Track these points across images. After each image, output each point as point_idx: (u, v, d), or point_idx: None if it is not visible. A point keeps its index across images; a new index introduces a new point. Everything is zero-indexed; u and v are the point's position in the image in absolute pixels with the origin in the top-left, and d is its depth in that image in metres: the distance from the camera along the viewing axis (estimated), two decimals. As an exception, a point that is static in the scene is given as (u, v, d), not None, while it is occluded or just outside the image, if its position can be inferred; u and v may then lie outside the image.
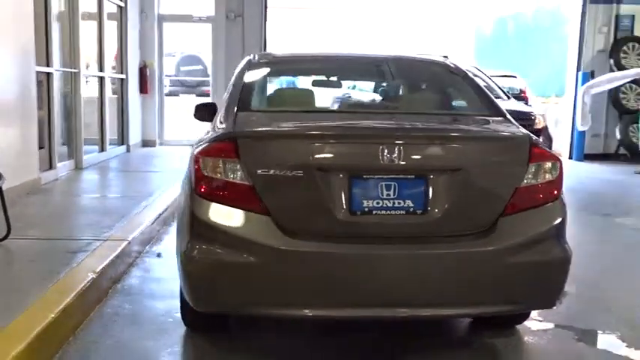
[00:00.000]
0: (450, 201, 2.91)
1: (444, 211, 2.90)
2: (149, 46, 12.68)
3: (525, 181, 2.98)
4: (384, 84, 4.08)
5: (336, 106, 3.72)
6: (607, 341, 3.64)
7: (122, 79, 11.51)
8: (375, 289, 2.86)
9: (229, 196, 2.90)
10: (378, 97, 3.93)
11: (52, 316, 3.31)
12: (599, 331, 3.74)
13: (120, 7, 11.31)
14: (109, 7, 10.71)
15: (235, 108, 3.33)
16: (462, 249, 2.88)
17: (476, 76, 4.58)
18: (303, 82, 4.24)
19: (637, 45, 13.06)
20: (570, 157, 12.72)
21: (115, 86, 11.37)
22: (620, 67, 12.74)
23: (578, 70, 12.95)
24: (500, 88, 10.75)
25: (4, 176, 4.57)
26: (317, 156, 2.90)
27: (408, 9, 24.05)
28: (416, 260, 2.87)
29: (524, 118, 8.89)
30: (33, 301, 3.49)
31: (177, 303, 3.93)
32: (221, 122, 3.33)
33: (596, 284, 4.62)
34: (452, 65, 3.93)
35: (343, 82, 4.21)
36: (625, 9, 13.25)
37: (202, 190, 2.95)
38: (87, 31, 9.54)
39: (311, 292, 2.86)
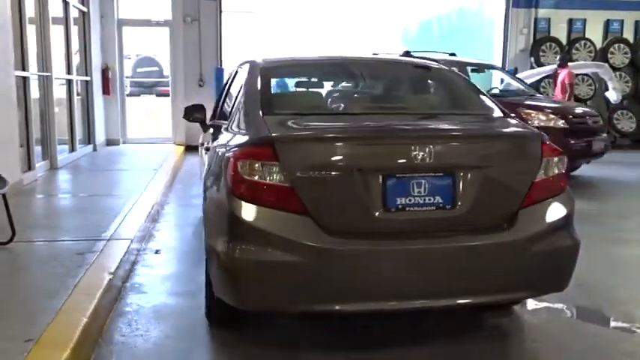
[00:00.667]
0: (476, 196, 2.86)
1: (470, 206, 2.85)
2: (110, 49, 12.16)
3: (539, 175, 2.96)
4: (393, 85, 3.98)
5: (355, 108, 3.58)
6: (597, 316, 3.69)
7: (87, 82, 11.00)
8: (413, 281, 2.80)
9: (269, 197, 2.76)
10: (390, 98, 3.83)
11: (85, 320, 3.08)
12: (588, 308, 3.77)
13: (82, 12, 10.78)
14: (73, 12, 10.18)
15: (260, 112, 3.15)
16: (490, 240, 2.84)
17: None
18: (317, 85, 4.07)
19: (553, 45, 13.44)
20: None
21: (79, 88, 10.86)
22: (539, 64, 13.11)
23: (502, 67, 13.22)
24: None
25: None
26: (354, 157, 2.80)
27: (340, 11, 24.02)
28: (450, 252, 2.81)
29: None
30: (60, 305, 3.24)
31: (193, 300, 3.79)
32: (246, 126, 3.15)
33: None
34: (448, 68, 3.88)
35: (357, 86, 4.09)
36: (542, 13, 13.63)
37: (241, 192, 2.78)
38: (55, 35, 9.03)
39: (354, 287, 2.76)
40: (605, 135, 9.07)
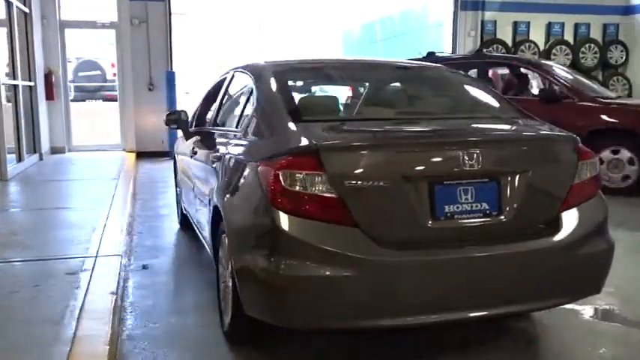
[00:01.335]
0: (519, 201, 2.80)
1: (515, 211, 2.79)
2: (52, 53, 11.57)
3: (577, 178, 2.94)
4: (414, 89, 3.88)
5: (383, 113, 3.46)
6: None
7: (31, 87, 10.40)
8: (468, 291, 2.70)
9: (315, 209, 2.60)
10: (415, 102, 3.73)
11: (107, 347, 2.82)
12: (606, 309, 3.77)
13: (24, 13, 10.18)
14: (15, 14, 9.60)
15: (288, 118, 2.98)
16: (539, 245, 2.78)
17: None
18: (337, 89, 3.92)
19: (500, 46, 13.77)
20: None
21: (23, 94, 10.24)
22: (488, 66, 13.40)
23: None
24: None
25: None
26: (401, 164, 2.68)
27: (279, 14, 23.82)
28: (503, 260, 2.74)
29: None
30: (73, 333, 2.96)
31: (201, 317, 3.57)
32: (274, 134, 2.97)
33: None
34: (462, 72, 3.83)
35: (378, 90, 3.96)
36: (488, 15, 13.94)
37: (283, 204, 2.61)
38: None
39: (407, 300, 2.64)
40: None
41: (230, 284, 3.12)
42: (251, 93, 3.59)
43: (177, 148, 5.66)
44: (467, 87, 3.72)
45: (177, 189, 6.00)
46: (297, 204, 2.61)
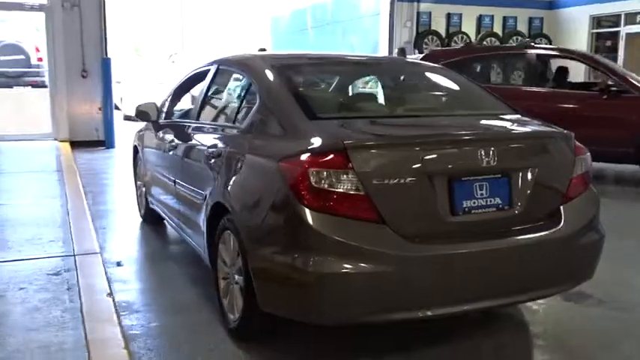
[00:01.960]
0: (527, 195, 2.95)
1: (524, 205, 2.94)
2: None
3: (575, 172, 3.13)
4: (415, 86, 3.96)
5: (393, 110, 3.51)
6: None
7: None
8: (489, 281, 2.83)
9: (343, 206, 2.64)
10: (419, 99, 3.80)
11: (125, 351, 2.76)
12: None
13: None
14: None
15: (303, 116, 2.99)
16: (548, 237, 2.94)
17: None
18: (343, 85, 3.90)
19: (435, 37, 14.19)
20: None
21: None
22: (423, 56, 13.78)
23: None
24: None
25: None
26: (424, 161, 2.75)
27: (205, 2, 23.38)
28: (520, 251, 2.89)
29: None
30: (84, 337, 2.87)
31: (192, 315, 3.53)
32: (292, 132, 2.97)
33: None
34: (453, 72, 3.93)
35: (383, 86, 3.99)
36: (423, 7, 14.33)
37: (311, 201, 2.63)
38: None
39: (434, 292, 2.74)
40: None
41: (240, 281, 3.11)
42: (248, 88, 3.56)
43: (143, 141, 5.49)
44: (461, 84, 3.85)
45: (139, 182, 5.85)
46: (325, 201, 2.64)
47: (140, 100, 15.92)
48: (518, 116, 3.45)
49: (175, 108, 5.06)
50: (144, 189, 5.60)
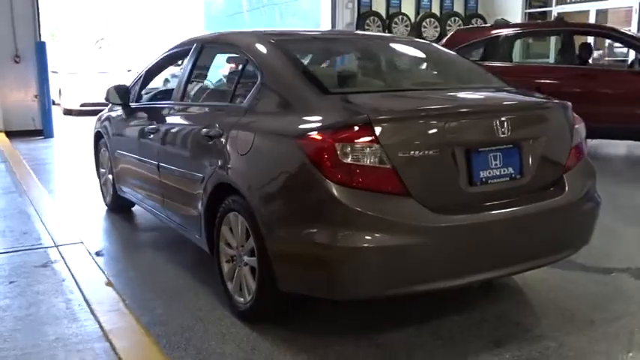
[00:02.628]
0: (535, 164, 3.05)
1: (533, 174, 3.04)
2: None
3: (574, 141, 3.25)
4: (415, 61, 3.96)
5: (402, 84, 3.53)
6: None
7: None
8: (505, 249, 2.93)
9: (371, 179, 2.65)
10: (423, 74, 3.83)
11: (146, 337, 2.67)
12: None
13: None
14: None
15: (318, 92, 2.97)
16: (556, 204, 3.05)
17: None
18: (347, 61, 3.85)
19: (376, 18, 14.29)
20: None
21: None
22: (365, 38, 13.86)
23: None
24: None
25: None
26: (445, 133, 2.80)
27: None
28: (530, 219, 2.97)
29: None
30: (101, 329, 2.76)
31: (201, 300, 3.47)
32: (308, 107, 2.92)
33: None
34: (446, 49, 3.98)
35: (385, 62, 3.96)
36: (363, -13, 14.36)
37: (338, 176, 2.62)
38: None
39: (461, 262, 2.80)
40: None
41: (251, 262, 3.07)
42: (245, 65, 3.50)
43: (110, 126, 5.28)
44: (457, 60, 3.91)
45: (102, 170, 5.65)
46: (351, 175, 2.64)
47: (85, 92, 15.07)
48: (514, 89, 3.55)
49: (148, 90, 4.90)
50: (110, 176, 5.41)
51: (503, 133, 2.91)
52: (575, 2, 15.11)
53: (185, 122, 3.91)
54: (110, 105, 5.43)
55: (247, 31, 3.84)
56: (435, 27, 14.94)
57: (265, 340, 3.02)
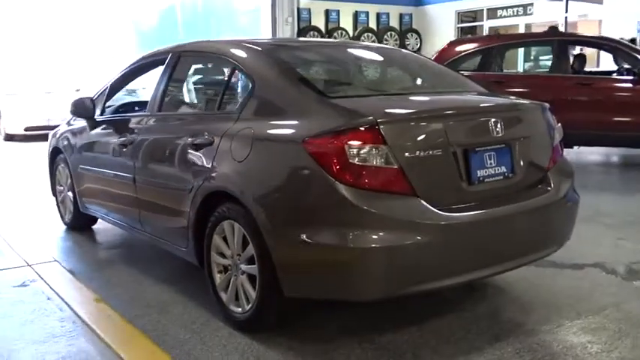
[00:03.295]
0: (524, 163, 3.18)
1: (523, 172, 3.17)
2: None
3: (555, 140, 3.41)
4: (401, 67, 4.02)
5: (394, 89, 3.59)
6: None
7: None
8: (505, 246, 3.03)
9: (379, 180, 2.69)
10: (411, 79, 3.90)
11: (158, 347, 2.59)
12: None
13: None
14: None
15: (318, 96, 2.99)
16: (545, 200, 3.18)
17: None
18: (339, 67, 3.84)
19: (316, 33, 14.49)
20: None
21: None
22: (305, 52, 14.01)
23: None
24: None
25: None
26: (448, 133, 2.87)
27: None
28: (525, 215, 3.08)
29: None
30: (103, 344, 2.65)
31: (193, 313, 3.40)
32: (309, 112, 2.93)
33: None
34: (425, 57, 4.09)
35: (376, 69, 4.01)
36: (303, 3, 14.61)
37: (347, 177, 2.65)
38: None
39: (468, 259, 2.87)
40: None
41: (251, 270, 3.04)
42: (232, 73, 3.48)
43: (71, 142, 5.08)
44: (438, 67, 4.04)
45: (60, 187, 5.44)
46: (360, 177, 2.67)
47: (29, 115, 13.75)
48: (496, 92, 3.69)
49: (112, 103, 4.77)
50: (70, 194, 5.21)
51: (497, 133, 3.02)
52: (504, 17, 15.83)
53: (165, 133, 3.83)
54: (68, 120, 5.27)
55: (229, 39, 3.82)
56: (373, 41, 15.27)
57: (269, 349, 2.98)
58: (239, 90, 3.39)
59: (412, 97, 3.41)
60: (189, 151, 3.46)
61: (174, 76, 3.99)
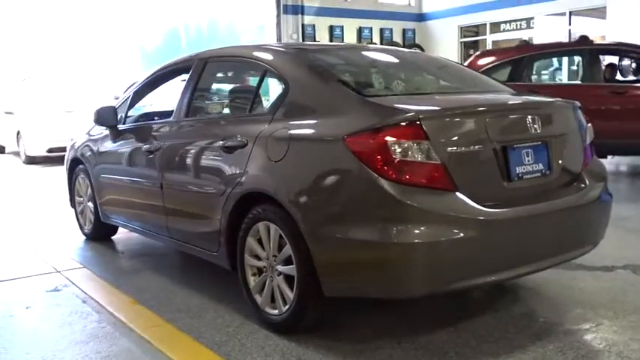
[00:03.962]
0: (560, 161, 3.17)
1: (559, 170, 3.16)
2: None
3: (587, 140, 3.40)
4: (430, 69, 4.04)
5: (429, 88, 3.63)
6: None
7: None
8: (551, 241, 3.04)
9: (422, 176, 2.68)
10: (443, 80, 3.92)
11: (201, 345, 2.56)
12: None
13: None
14: None
15: (356, 95, 2.99)
16: (582, 199, 3.16)
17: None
18: (370, 69, 3.85)
19: (321, 49, 14.56)
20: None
21: None
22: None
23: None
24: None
25: None
26: (488, 130, 2.87)
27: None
28: (563, 213, 3.07)
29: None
30: (149, 344, 2.62)
31: (227, 316, 3.37)
32: (348, 110, 2.92)
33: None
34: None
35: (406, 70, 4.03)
36: (308, 19, 14.71)
37: (390, 173, 2.64)
38: None
39: (510, 255, 2.85)
40: None
41: (289, 271, 3.02)
42: (263, 77, 3.49)
43: (93, 151, 5.06)
44: (467, 70, 4.06)
45: (79, 198, 5.42)
46: (403, 173, 2.66)
47: (52, 135, 12.68)
48: (527, 93, 3.70)
49: (132, 113, 4.78)
50: (90, 204, 5.19)
51: (535, 129, 3.02)
52: (507, 31, 15.93)
53: (194, 138, 3.81)
54: (88, 130, 5.26)
55: (255, 44, 3.83)
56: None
57: (309, 350, 2.95)
58: (271, 92, 3.39)
59: (449, 96, 3.42)
60: (221, 154, 3.45)
61: (201, 82, 3.99)
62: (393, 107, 2.84)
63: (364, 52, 4.18)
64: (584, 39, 8.87)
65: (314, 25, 14.74)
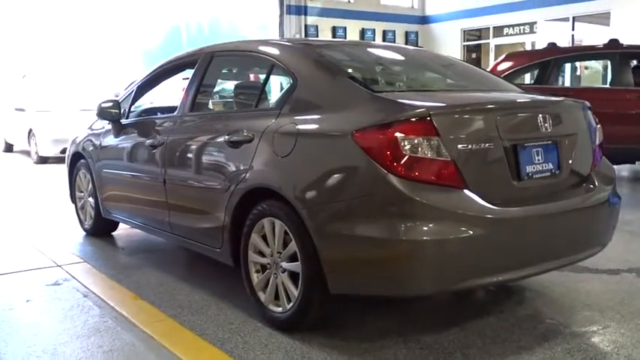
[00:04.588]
0: (570, 161, 3.13)
1: (568, 170, 3.12)
2: None
3: (597, 141, 3.37)
4: (436, 67, 4.00)
5: (437, 85, 3.58)
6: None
7: None
8: (557, 241, 2.97)
9: (432, 172, 2.64)
10: (449, 77, 3.87)
11: (204, 341, 2.52)
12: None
13: None
14: None
15: (366, 90, 2.95)
16: (592, 199, 3.13)
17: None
18: (377, 64, 3.81)
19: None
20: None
21: None
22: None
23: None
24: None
25: None
26: (498, 127, 2.83)
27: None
28: (574, 213, 3.03)
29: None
30: (152, 339, 2.58)
31: (229, 314, 3.33)
32: (356, 105, 2.89)
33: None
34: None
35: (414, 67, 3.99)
36: (311, 20, 14.70)
37: (400, 169, 2.60)
38: None
39: (519, 254, 2.81)
40: None
41: (294, 268, 2.98)
42: (270, 71, 3.45)
43: (95, 146, 5.02)
44: (476, 68, 4.02)
45: (80, 194, 5.37)
46: (413, 169, 2.62)
47: (66, 135, 12.05)
48: (537, 92, 3.66)
49: (135, 108, 4.74)
50: (91, 199, 5.15)
51: (545, 128, 2.98)
52: (510, 35, 15.93)
53: (199, 132, 3.77)
54: (90, 124, 5.23)
55: (262, 39, 3.79)
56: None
57: (312, 348, 2.91)
58: (278, 86, 3.35)
59: (459, 93, 3.39)
60: (226, 149, 3.41)
61: (206, 76, 3.94)
62: (403, 103, 2.80)
63: (371, 49, 4.15)
64: (614, 42, 8.56)
65: (317, 26, 14.72)
